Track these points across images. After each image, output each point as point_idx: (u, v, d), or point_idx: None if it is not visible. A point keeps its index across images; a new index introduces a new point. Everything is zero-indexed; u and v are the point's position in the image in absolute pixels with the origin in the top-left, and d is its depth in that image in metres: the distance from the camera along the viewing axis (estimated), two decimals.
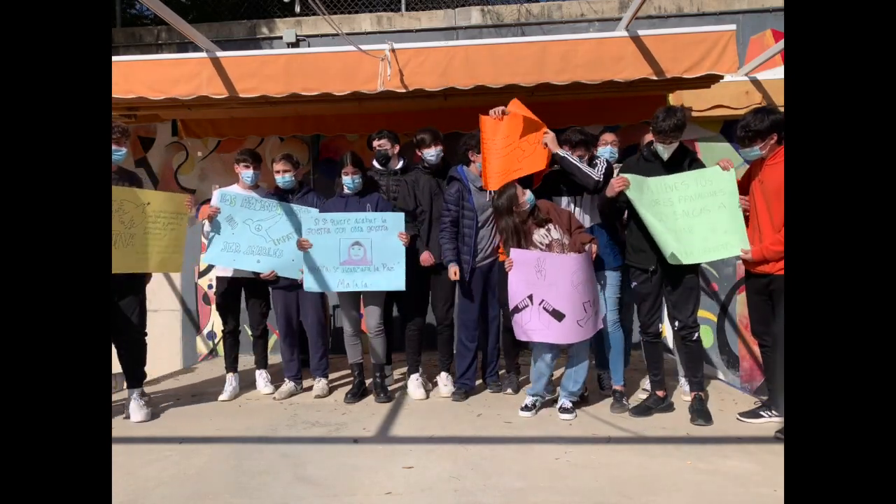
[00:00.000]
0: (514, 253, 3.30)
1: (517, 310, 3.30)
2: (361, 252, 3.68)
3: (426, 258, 3.77)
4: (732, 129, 3.38)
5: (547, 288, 3.22)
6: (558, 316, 3.21)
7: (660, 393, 3.42)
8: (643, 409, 3.35)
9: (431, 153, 3.84)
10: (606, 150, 3.80)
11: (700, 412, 3.22)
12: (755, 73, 4.93)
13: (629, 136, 5.00)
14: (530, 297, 3.25)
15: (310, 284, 3.70)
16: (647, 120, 5.22)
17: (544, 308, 3.23)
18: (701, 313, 5.15)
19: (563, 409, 3.36)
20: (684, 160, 3.31)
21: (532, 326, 3.26)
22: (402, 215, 3.69)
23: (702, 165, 3.35)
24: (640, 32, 3.85)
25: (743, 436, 2.97)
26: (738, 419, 3.22)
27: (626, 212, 3.45)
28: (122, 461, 2.82)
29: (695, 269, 3.31)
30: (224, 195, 3.73)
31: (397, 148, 4.06)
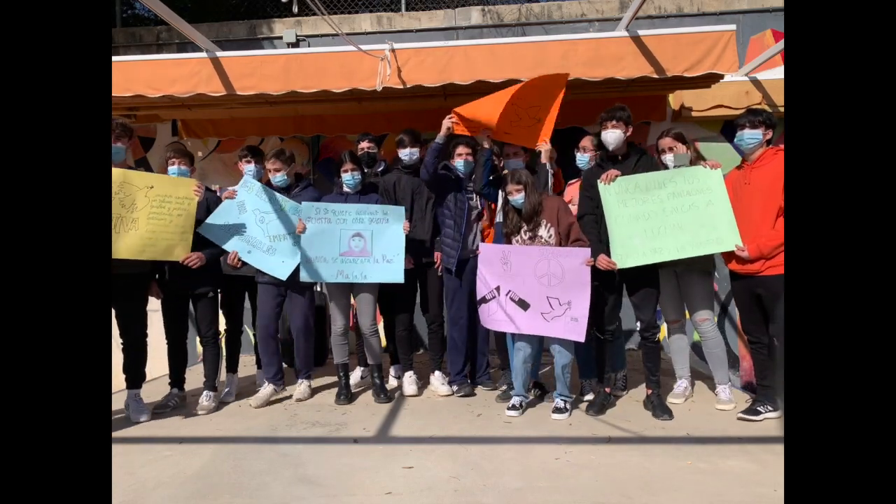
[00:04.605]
0: (482, 247, 3.55)
1: (484, 300, 3.51)
2: (362, 243, 3.67)
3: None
4: (732, 129, 3.39)
5: (512, 278, 3.40)
6: (524, 305, 3.37)
7: (606, 389, 3.48)
8: (600, 407, 3.41)
9: (406, 153, 3.90)
10: (585, 157, 3.73)
11: (661, 406, 3.34)
12: (755, 73, 4.92)
13: (629, 136, 5.00)
14: (497, 289, 3.46)
15: (304, 276, 3.65)
16: (648, 120, 5.26)
17: (510, 298, 3.41)
18: None
19: (556, 409, 3.38)
20: (635, 157, 3.36)
21: (498, 317, 3.46)
22: (402, 209, 3.70)
23: (651, 159, 3.41)
24: (640, 32, 3.85)
25: (743, 436, 2.97)
26: (738, 418, 3.22)
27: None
28: (121, 461, 2.82)
29: (655, 271, 3.35)
30: (246, 181, 3.71)
31: (382, 151, 4.19)
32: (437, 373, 4.00)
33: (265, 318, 3.80)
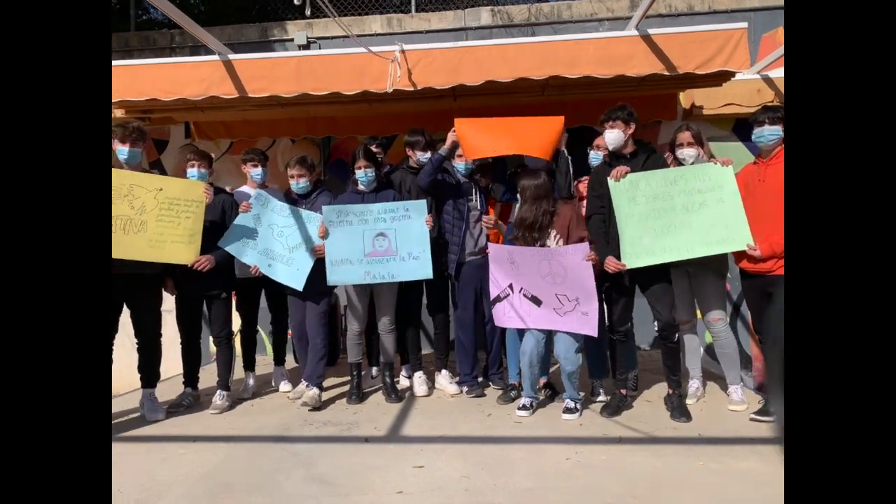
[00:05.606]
0: (491, 247, 3.57)
1: (498, 299, 3.53)
2: (386, 243, 3.65)
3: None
4: (744, 128, 3.37)
5: (522, 276, 3.42)
6: (537, 302, 3.41)
7: (622, 391, 3.45)
8: (615, 409, 3.39)
9: (426, 156, 3.88)
10: (598, 154, 3.72)
11: (679, 408, 3.30)
12: (767, 71, 4.88)
13: (639, 135, 4.98)
14: (511, 286, 3.48)
15: (334, 279, 3.64)
16: (659, 119, 5.23)
17: (524, 295, 3.44)
18: None
19: (567, 410, 3.38)
20: (644, 156, 3.33)
21: (511, 315, 3.48)
22: (424, 202, 3.68)
23: (660, 157, 3.38)
24: (651, 31, 3.83)
25: (755, 436, 2.95)
26: (751, 419, 3.20)
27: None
28: (137, 460, 2.86)
29: (666, 269, 3.32)
30: (259, 195, 3.74)
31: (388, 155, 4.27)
32: (443, 371, 4.02)
33: (296, 323, 3.92)
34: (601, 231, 3.35)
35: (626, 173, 3.22)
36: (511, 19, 5.74)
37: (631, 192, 3.22)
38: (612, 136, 3.29)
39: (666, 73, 3.81)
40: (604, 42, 3.88)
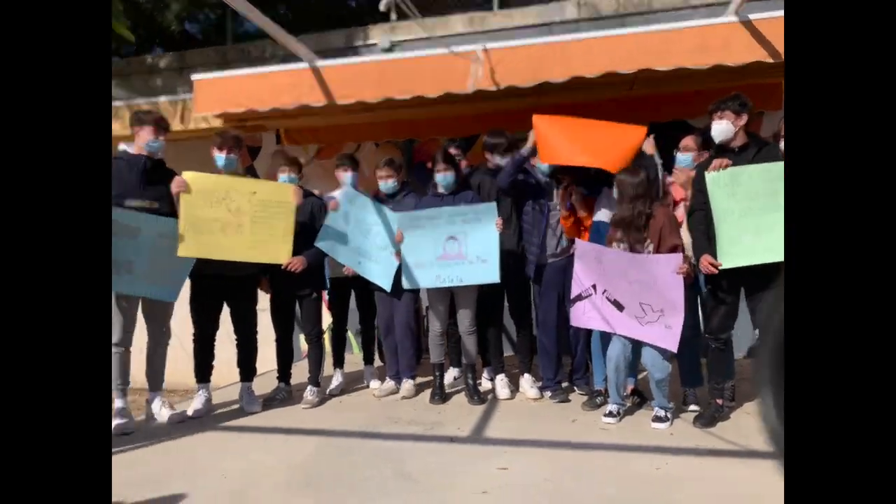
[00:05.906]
0: (578, 244, 3.46)
1: (579, 298, 3.41)
2: (457, 246, 3.68)
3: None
4: None
5: (608, 279, 3.30)
6: (619, 307, 3.28)
7: (718, 401, 3.25)
8: (710, 419, 3.20)
9: (506, 160, 3.79)
10: (687, 156, 3.52)
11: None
12: None
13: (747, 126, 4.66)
14: (594, 287, 3.36)
15: (408, 282, 3.78)
16: (762, 110, 4.86)
17: (607, 298, 3.31)
18: None
19: (657, 419, 3.24)
20: (754, 149, 3.07)
21: (591, 315, 3.37)
22: (493, 205, 3.65)
23: (775, 149, 3.07)
24: (752, 16, 3.57)
25: None
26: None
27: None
28: (237, 447, 3.05)
29: (779, 272, 3.03)
30: (347, 192, 3.93)
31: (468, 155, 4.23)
32: (526, 375, 3.96)
33: (383, 319, 4.07)
34: (702, 228, 3.14)
35: (727, 166, 3.02)
36: (598, 12, 5.55)
37: (730, 188, 3.00)
38: (719, 128, 3.08)
39: (769, 60, 3.53)
40: (699, 30, 3.66)
